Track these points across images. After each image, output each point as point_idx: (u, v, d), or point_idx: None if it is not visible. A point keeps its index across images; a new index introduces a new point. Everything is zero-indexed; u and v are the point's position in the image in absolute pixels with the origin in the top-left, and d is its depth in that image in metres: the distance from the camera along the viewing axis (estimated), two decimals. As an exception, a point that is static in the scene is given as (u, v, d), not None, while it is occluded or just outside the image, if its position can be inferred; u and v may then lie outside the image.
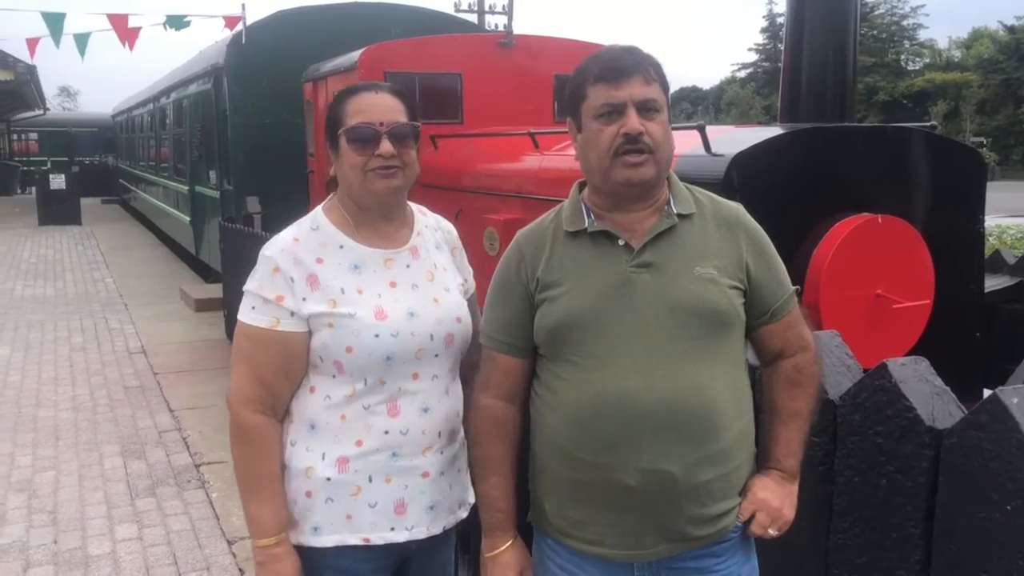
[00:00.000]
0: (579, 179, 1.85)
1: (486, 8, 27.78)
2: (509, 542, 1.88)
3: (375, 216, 1.92)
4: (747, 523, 1.77)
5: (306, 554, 1.87)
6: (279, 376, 1.85)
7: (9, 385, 6.70)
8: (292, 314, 1.82)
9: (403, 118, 1.87)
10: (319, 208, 1.96)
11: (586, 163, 1.75)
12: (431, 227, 2.05)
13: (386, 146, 1.83)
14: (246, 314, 1.85)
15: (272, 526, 1.84)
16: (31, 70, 19.14)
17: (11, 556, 3.92)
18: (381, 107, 1.85)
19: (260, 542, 1.84)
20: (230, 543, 4.03)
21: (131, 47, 12.23)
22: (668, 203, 1.76)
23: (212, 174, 10.76)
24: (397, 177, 1.86)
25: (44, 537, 4.11)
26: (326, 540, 1.86)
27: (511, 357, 1.83)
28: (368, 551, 1.88)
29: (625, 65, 1.67)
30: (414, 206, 2.05)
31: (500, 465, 1.85)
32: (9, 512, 4.39)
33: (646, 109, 1.66)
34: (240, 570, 3.78)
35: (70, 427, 5.71)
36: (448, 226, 2.12)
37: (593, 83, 1.69)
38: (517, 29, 16.39)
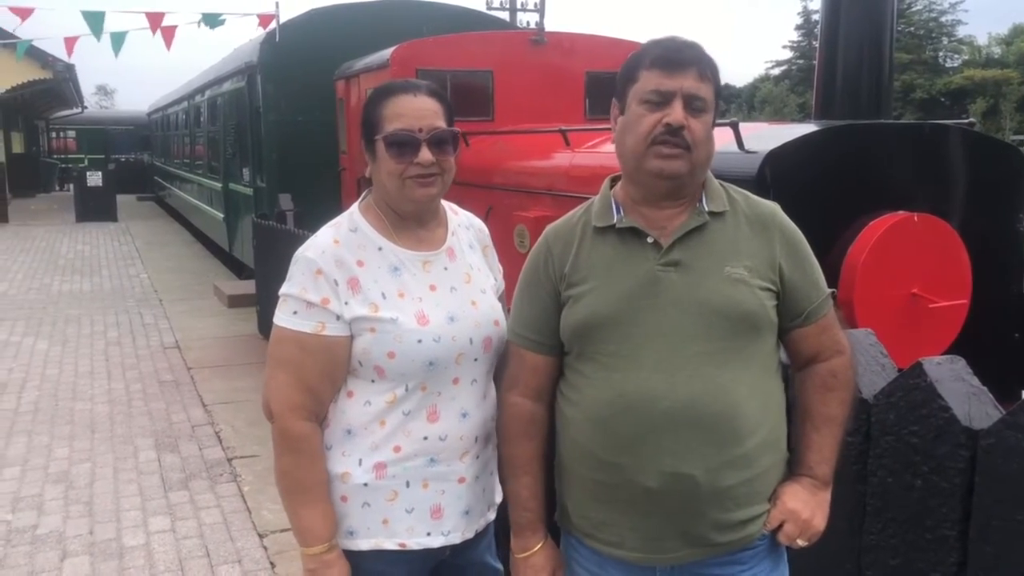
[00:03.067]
0: (609, 175, 1.84)
1: (518, 5, 27.79)
2: (540, 543, 1.86)
3: (411, 220, 1.89)
4: (776, 531, 1.73)
5: None
6: (324, 382, 1.81)
7: (47, 379, 6.82)
8: (338, 318, 1.78)
9: (442, 122, 1.81)
10: (355, 208, 1.92)
11: (622, 146, 1.72)
12: (463, 226, 2.02)
13: (426, 155, 1.78)
14: (287, 319, 1.79)
15: (325, 533, 1.80)
16: (70, 69, 19.47)
17: (48, 545, 4.00)
18: (420, 111, 1.79)
19: (312, 550, 1.79)
20: (261, 536, 4.07)
21: (168, 46, 12.39)
22: (700, 200, 1.72)
23: (245, 171, 10.86)
24: (435, 185, 1.82)
25: (80, 528, 4.18)
26: (361, 544, 1.84)
27: (538, 354, 1.80)
28: (404, 556, 1.85)
29: (684, 57, 1.65)
30: (446, 204, 2.01)
31: (529, 464, 1.83)
32: (47, 503, 4.47)
33: (693, 106, 1.64)
34: (271, 563, 3.82)
35: (105, 420, 5.80)
36: (479, 224, 2.08)
37: (648, 67, 1.66)
38: (549, 26, 16.36)
